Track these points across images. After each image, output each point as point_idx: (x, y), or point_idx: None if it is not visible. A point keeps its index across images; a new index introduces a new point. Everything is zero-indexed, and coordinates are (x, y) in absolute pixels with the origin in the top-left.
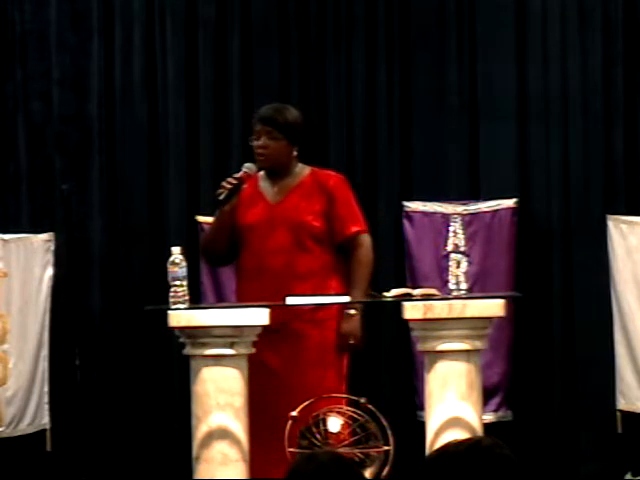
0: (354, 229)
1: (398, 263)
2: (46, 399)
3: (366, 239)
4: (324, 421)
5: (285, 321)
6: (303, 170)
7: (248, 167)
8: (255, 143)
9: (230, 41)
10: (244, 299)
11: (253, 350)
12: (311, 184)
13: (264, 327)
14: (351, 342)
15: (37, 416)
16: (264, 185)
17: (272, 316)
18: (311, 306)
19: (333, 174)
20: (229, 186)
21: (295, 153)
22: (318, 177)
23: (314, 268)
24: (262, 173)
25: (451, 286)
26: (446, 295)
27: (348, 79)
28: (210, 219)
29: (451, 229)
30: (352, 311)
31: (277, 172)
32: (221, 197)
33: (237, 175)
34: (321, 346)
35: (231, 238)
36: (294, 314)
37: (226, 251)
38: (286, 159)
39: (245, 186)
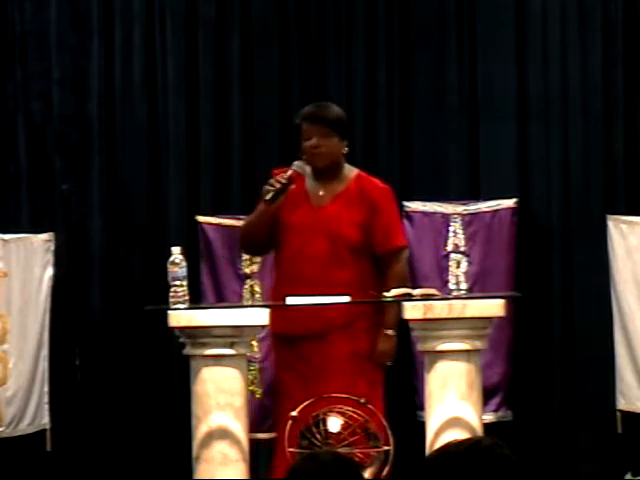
0: (396, 243)
1: None
2: (46, 399)
3: (405, 255)
4: (324, 421)
5: (320, 331)
6: (350, 173)
7: (298, 165)
8: (307, 143)
9: (230, 41)
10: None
11: (253, 350)
12: (355, 191)
13: (300, 336)
14: (387, 363)
15: (37, 416)
16: (311, 185)
17: (307, 325)
18: (346, 317)
19: (379, 185)
20: (278, 185)
21: (346, 149)
22: (363, 185)
23: (350, 280)
24: (309, 172)
25: (451, 286)
26: (446, 295)
27: (348, 79)
28: (210, 219)
29: (451, 229)
30: (390, 332)
31: (328, 171)
32: (268, 197)
33: (287, 175)
34: (352, 356)
35: (271, 231)
36: (329, 325)
37: (264, 244)
38: (338, 156)
39: (293, 186)
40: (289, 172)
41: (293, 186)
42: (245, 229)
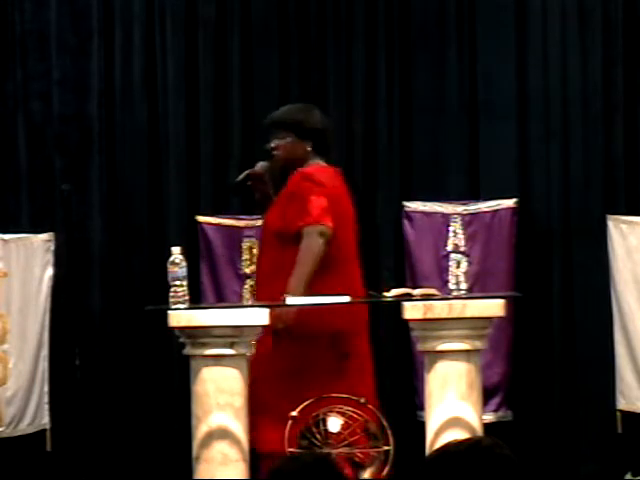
0: (299, 224)
1: (398, 263)
2: (46, 399)
3: (308, 230)
4: (324, 421)
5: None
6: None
7: (258, 166)
8: (268, 146)
9: (230, 41)
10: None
11: (253, 350)
12: (288, 185)
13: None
14: (279, 326)
15: (37, 416)
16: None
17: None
18: None
19: (301, 171)
20: (237, 179)
21: (309, 148)
22: (292, 177)
23: (271, 268)
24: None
25: (451, 286)
26: (446, 295)
27: (348, 79)
28: (210, 219)
29: (451, 229)
30: (286, 297)
31: (290, 171)
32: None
33: (245, 173)
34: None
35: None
36: None
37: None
38: (299, 155)
39: (249, 183)
40: (249, 170)
41: (249, 183)
42: None
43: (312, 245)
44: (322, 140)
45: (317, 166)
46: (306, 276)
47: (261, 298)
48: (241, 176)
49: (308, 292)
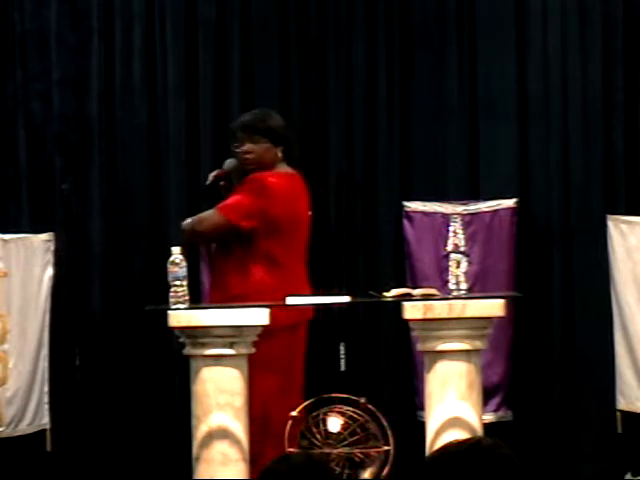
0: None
1: (398, 263)
2: (46, 399)
3: (205, 214)
4: (324, 421)
5: None
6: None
7: (227, 163)
8: (239, 149)
9: (230, 41)
10: None
11: (253, 350)
12: None
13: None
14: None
15: (37, 416)
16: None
17: None
18: None
19: (256, 175)
20: (207, 182)
21: (280, 154)
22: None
23: (221, 260)
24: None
25: (451, 286)
26: (446, 295)
27: (348, 79)
28: None
29: (451, 229)
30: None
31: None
32: (203, 192)
33: (213, 173)
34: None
35: None
36: None
37: None
38: (271, 161)
39: (222, 183)
40: (215, 171)
41: (222, 183)
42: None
43: (212, 219)
44: (289, 146)
45: (278, 172)
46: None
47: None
48: (210, 179)
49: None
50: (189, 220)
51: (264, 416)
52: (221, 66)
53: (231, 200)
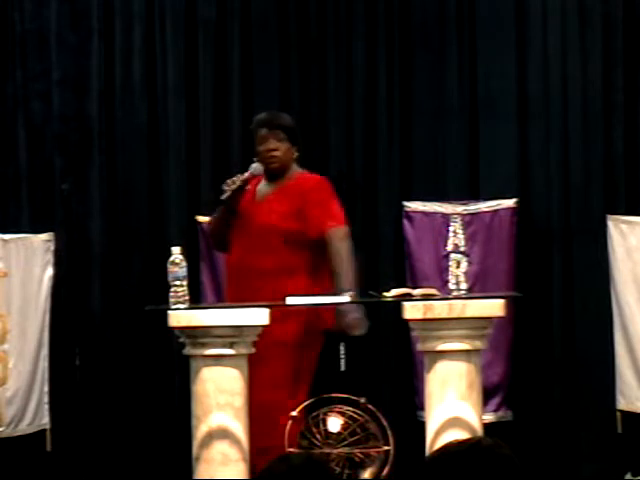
0: (328, 225)
1: (398, 263)
2: (46, 399)
3: (339, 234)
4: (324, 421)
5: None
6: (294, 173)
7: (254, 168)
8: (264, 147)
9: (230, 41)
10: (228, 295)
11: (253, 350)
12: (291, 187)
13: None
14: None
15: (37, 416)
16: (262, 185)
17: None
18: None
19: (313, 177)
20: (234, 186)
21: (296, 154)
22: (299, 180)
23: (275, 266)
24: (263, 173)
25: (451, 286)
26: (446, 295)
27: (348, 79)
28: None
29: (451, 229)
30: (349, 295)
31: (279, 173)
32: (223, 197)
33: (243, 177)
34: (273, 341)
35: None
36: None
37: (225, 241)
38: (289, 160)
39: (248, 187)
40: (246, 174)
41: (248, 187)
42: (209, 229)
43: (347, 245)
44: (300, 149)
45: (307, 173)
46: (352, 272)
47: (261, 296)
48: (237, 183)
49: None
50: (345, 238)
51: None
52: (221, 66)
53: (334, 210)
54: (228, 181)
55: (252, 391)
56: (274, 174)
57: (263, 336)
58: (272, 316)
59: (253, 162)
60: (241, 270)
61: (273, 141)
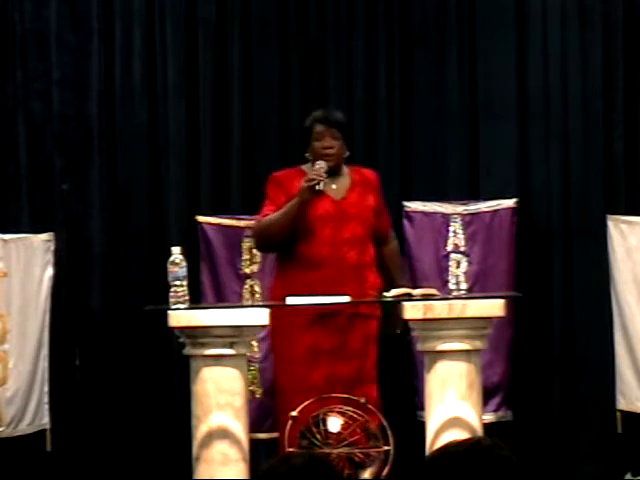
0: (389, 227)
1: None
2: (46, 399)
3: (393, 234)
4: (324, 421)
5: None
6: (346, 169)
7: (320, 165)
8: (320, 144)
9: (230, 41)
10: (306, 288)
11: (253, 350)
12: (361, 181)
13: (318, 312)
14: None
15: (37, 416)
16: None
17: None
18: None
19: (371, 170)
20: (320, 178)
21: (348, 153)
22: (362, 174)
23: (374, 257)
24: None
25: (451, 286)
26: (446, 295)
27: (348, 79)
28: (210, 219)
29: (451, 229)
30: (407, 290)
31: (335, 170)
32: (319, 187)
33: (324, 168)
34: (364, 337)
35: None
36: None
37: (287, 240)
38: (342, 159)
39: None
40: (324, 166)
41: (326, 179)
42: (269, 228)
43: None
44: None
45: (355, 166)
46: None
47: (349, 288)
48: (323, 172)
49: None
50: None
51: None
52: (221, 66)
53: (387, 213)
54: (311, 175)
55: (340, 387)
56: (330, 171)
57: (351, 331)
58: (360, 311)
59: (307, 157)
60: (342, 262)
61: (329, 139)
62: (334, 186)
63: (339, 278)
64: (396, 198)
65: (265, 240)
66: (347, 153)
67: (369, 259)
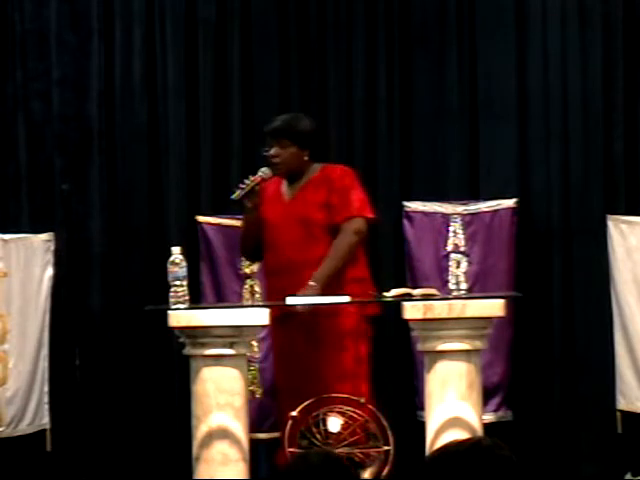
0: (345, 214)
1: (398, 263)
2: (46, 399)
3: (352, 223)
4: (324, 421)
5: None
6: (316, 169)
7: (263, 171)
8: (268, 154)
9: (230, 41)
10: (269, 294)
11: (253, 350)
12: (319, 179)
13: (280, 314)
14: (300, 310)
15: (37, 416)
16: (284, 186)
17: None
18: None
19: (339, 167)
20: (243, 186)
21: (306, 158)
22: (325, 171)
23: (322, 256)
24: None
25: (451, 286)
26: (446, 295)
27: (348, 79)
28: (210, 219)
29: (451, 229)
30: (312, 283)
31: (293, 176)
32: (233, 196)
33: (253, 178)
34: (335, 331)
35: (260, 235)
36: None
37: (254, 247)
38: (297, 164)
39: (258, 187)
40: (255, 176)
41: (258, 187)
42: (240, 240)
43: (350, 240)
44: (317, 146)
45: (332, 165)
46: (334, 270)
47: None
48: (249, 184)
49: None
50: (353, 232)
51: None
52: (221, 66)
53: (354, 199)
54: (240, 185)
55: (314, 383)
56: (290, 176)
57: (319, 328)
58: (329, 309)
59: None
60: (284, 265)
61: (275, 148)
62: (290, 189)
63: (285, 282)
64: (396, 198)
65: (244, 250)
66: (305, 158)
67: (315, 257)
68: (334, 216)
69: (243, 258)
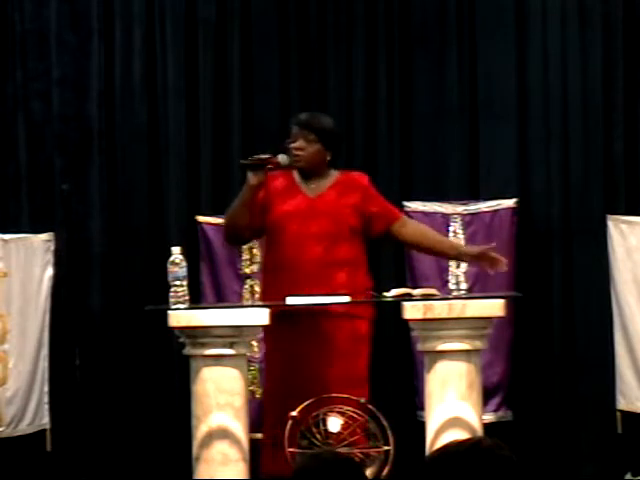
0: (399, 214)
1: (398, 263)
2: (46, 399)
3: (407, 217)
4: (324, 421)
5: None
6: (334, 173)
7: (282, 157)
8: (292, 145)
9: (230, 41)
10: (276, 289)
11: (253, 350)
12: (345, 182)
13: (297, 312)
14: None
15: (37, 416)
16: (300, 181)
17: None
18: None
19: (361, 174)
20: (256, 157)
21: (328, 158)
22: (350, 176)
23: (349, 256)
24: (297, 173)
25: (451, 286)
26: (446, 295)
27: (348, 79)
28: (210, 219)
29: (451, 229)
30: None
31: (311, 173)
32: (242, 161)
33: (267, 155)
34: (351, 336)
35: (253, 219)
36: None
37: (245, 227)
38: (319, 163)
39: (271, 168)
40: (282, 159)
41: (270, 168)
42: (228, 217)
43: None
44: (338, 151)
45: (346, 170)
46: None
47: (335, 285)
48: (258, 156)
49: None
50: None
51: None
52: (221, 66)
53: (389, 206)
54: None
55: (320, 388)
56: (305, 173)
57: (337, 332)
58: (347, 311)
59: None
60: (307, 260)
61: (300, 141)
62: (312, 185)
63: (303, 278)
64: (396, 198)
65: (228, 228)
66: (327, 158)
67: (341, 258)
68: (384, 220)
69: (226, 237)
